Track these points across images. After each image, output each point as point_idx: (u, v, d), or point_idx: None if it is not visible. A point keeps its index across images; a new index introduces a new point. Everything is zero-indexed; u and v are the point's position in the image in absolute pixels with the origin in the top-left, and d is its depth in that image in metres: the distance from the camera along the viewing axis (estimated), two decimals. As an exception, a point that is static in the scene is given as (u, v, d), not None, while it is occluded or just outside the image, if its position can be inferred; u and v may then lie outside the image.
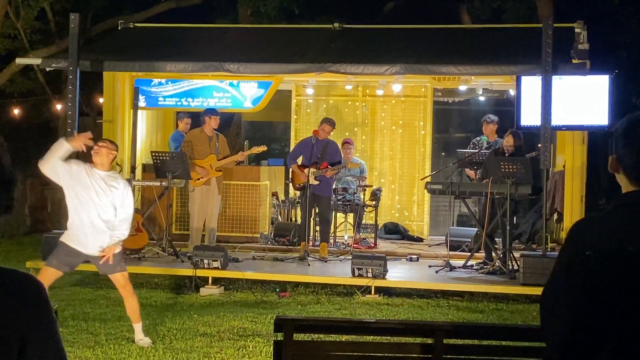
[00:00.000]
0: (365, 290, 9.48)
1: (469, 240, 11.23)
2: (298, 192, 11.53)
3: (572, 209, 10.96)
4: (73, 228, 6.95)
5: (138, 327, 7.24)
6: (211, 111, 11.05)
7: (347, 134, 13.67)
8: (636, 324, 2.28)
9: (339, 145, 12.29)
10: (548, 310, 2.45)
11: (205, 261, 9.72)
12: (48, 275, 7.02)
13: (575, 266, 2.37)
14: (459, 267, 10.10)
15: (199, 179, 10.82)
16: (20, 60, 14.70)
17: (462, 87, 13.16)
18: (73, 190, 6.89)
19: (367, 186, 12.45)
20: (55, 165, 6.86)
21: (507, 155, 9.96)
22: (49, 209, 18.50)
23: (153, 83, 12.42)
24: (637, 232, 2.34)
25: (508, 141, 10.05)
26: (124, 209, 6.94)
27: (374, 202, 12.35)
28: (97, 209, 6.84)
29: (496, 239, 10.36)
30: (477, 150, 11.27)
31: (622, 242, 2.33)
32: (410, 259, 11.03)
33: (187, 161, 10.56)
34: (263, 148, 11.45)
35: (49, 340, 2.04)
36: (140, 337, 7.21)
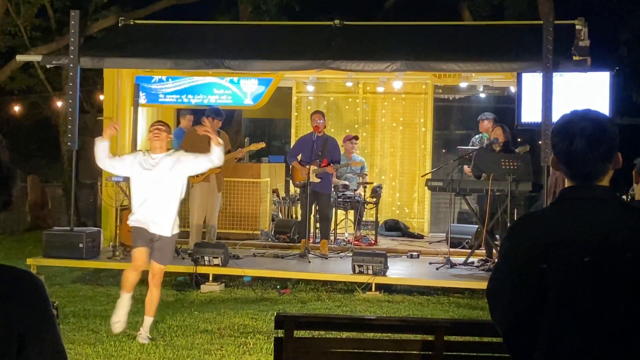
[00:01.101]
0: (366, 287, 9.48)
1: (470, 237, 11.23)
2: (298, 189, 11.53)
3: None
4: (138, 212, 7.21)
5: (148, 320, 7.27)
6: (215, 114, 10.95)
7: (347, 130, 13.67)
8: (566, 310, 2.36)
9: (343, 141, 12.33)
10: (492, 306, 2.57)
11: (206, 258, 9.73)
12: (137, 257, 7.27)
13: (510, 260, 2.45)
14: (460, 264, 10.10)
15: (197, 176, 10.81)
16: (20, 57, 14.67)
17: (463, 84, 13.15)
18: (136, 178, 7.24)
19: (367, 183, 12.45)
20: (106, 165, 7.38)
21: (497, 149, 10.00)
22: (50, 205, 18.51)
23: (153, 80, 12.41)
24: (569, 224, 2.41)
25: (496, 133, 10.11)
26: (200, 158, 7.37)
27: (374, 199, 12.35)
28: (162, 188, 7.13)
29: (497, 236, 10.36)
30: (477, 147, 11.27)
31: (555, 235, 2.41)
32: (411, 256, 11.03)
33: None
34: (261, 145, 11.45)
35: (48, 337, 2.03)
36: (145, 331, 7.21)
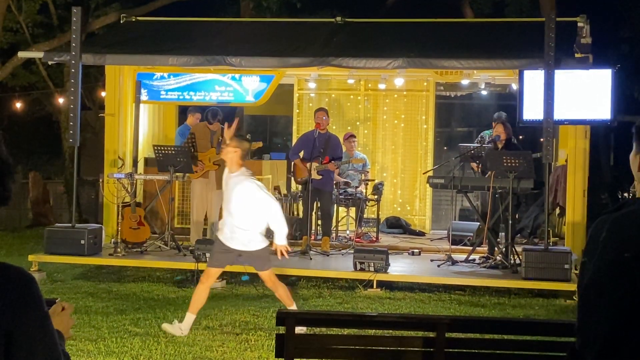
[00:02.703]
0: (367, 284, 9.48)
1: (471, 234, 11.23)
2: (300, 186, 11.53)
3: (574, 204, 10.95)
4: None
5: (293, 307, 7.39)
6: (212, 116, 10.97)
7: (349, 128, 13.67)
8: None
9: (343, 139, 12.32)
10: (588, 308, 2.41)
11: (207, 255, 9.72)
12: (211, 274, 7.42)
13: (621, 264, 2.35)
14: (461, 261, 10.10)
15: (196, 171, 10.84)
16: (22, 54, 14.69)
17: (465, 81, 13.15)
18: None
19: (369, 180, 12.45)
20: None
21: (499, 146, 10.01)
22: (51, 202, 18.53)
23: (155, 77, 12.41)
24: None
25: (498, 130, 10.12)
26: (264, 209, 7.26)
27: (375, 196, 12.35)
28: (231, 211, 7.19)
29: (498, 233, 10.36)
30: (478, 145, 11.27)
31: None
32: (412, 253, 11.03)
33: (189, 155, 10.57)
34: (259, 144, 11.48)
35: (38, 335, 1.98)
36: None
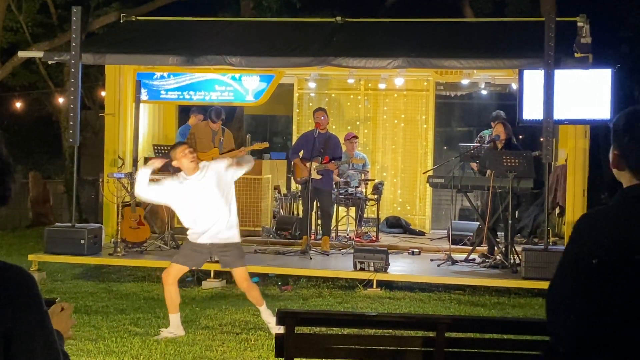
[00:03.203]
0: (367, 283, 9.49)
1: (471, 234, 11.22)
2: (300, 186, 11.53)
3: (574, 203, 10.95)
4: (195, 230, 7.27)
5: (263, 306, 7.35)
6: (215, 115, 10.98)
7: (349, 127, 13.67)
8: (633, 314, 2.30)
9: (344, 139, 12.33)
10: (554, 304, 2.47)
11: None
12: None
13: (582, 264, 2.38)
14: (461, 261, 10.10)
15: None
16: (22, 54, 14.69)
17: (465, 81, 13.14)
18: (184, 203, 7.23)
19: (369, 180, 12.45)
20: (147, 195, 7.38)
21: (499, 146, 10.01)
22: (51, 202, 18.52)
23: (155, 76, 12.40)
24: (636, 224, 2.35)
25: (497, 130, 10.13)
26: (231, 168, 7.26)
27: (375, 196, 12.35)
28: (210, 206, 7.13)
29: (498, 233, 10.36)
30: (478, 144, 11.26)
31: (627, 236, 2.34)
32: (412, 253, 11.03)
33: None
34: (265, 145, 11.46)
35: (37, 334, 1.98)
36: (269, 319, 7.26)
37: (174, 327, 7.26)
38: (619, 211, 2.44)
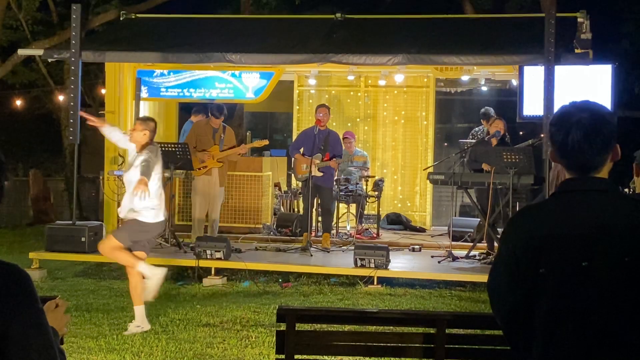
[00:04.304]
0: (368, 280, 9.49)
1: (472, 230, 11.22)
2: (300, 183, 11.53)
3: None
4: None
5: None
6: (217, 111, 10.97)
7: (349, 124, 13.67)
8: (562, 309, 2.35)
9: (342, 138, 12.30)
10: (491, 295, 2.58)
11: (208, 252, 9.74)
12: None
13: (514, 257, 2.44)
14: (462, 257, 10.10)
15: (199, 168, 10.83)
16: (22, 52, 14.68)
17: (465, 77, 13.13)
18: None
19: (369, 177, 12.45)
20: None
21: (494, 142, 10.01)
22: (52, 199, 18.53)
23: (155, 74, 12.40)
24: (571, 217, 2.40)
25: (499, 126, 10.11)
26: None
27: (376, 193, 12.35)
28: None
29: (498, 229, 10.35)
30: (479, 141, 11.25)
31: (559, 230, 2.39)
32: (413, 249, 11.04)
33: (190, 152, 10.56)
34: (265, 142, 11.47)
35: (33, 332, 1.98)
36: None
37: (141, 319, 7.32)
38: (553, 205, 2.51)
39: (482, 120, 11.76)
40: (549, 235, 2.40)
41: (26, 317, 1.98)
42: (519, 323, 2.46)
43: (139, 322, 7.28)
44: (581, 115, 2.48)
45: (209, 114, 11.06)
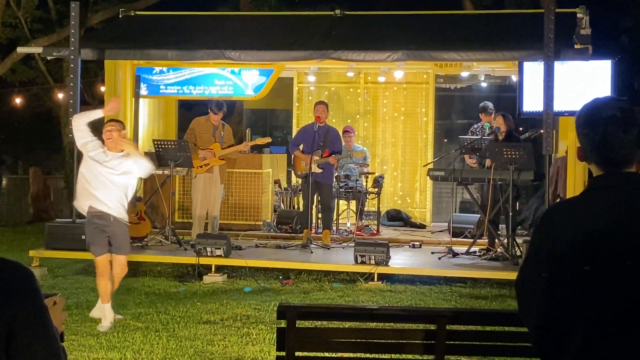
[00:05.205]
0: (368, 277, 9.49)
1: (472, 226, 11.22)
2: (300, 180, 11.52)
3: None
4: None
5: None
6: (216, 107, 10.98)
7: (349, 121, 13.66)
8: (605, 308, 2.31)
9: (342, 133, 12.30)
10: (521, 295, 2.52)
11: (208, 249, 9.74)
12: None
13: (546, 253, 2.40)
14: (462, 254, 10.10)
15: (201, 166, 10.82)
16: (21, 49, 14.66)
17: (464, 74, 13.12)
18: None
19: (369, 173, 12.44)
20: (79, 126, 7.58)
21: (500, 138, 10.00)
22: (52, 197, 18.52)
23: (154, 71, 12.39)
24: (608, 215, 2.37)
25: (498, 122, 10.11)
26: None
27: (376, 189, 12.35)
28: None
29: (499, 225, 10.35)
30: (479, 137, 11.24)
31: (593, 226, 2.36)
32: (413, 246, 11.03)
33: (189, 149, 10.55)
34: (267, 140, 11.46)
35: (38, 329, 2.00)
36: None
37: (109, 315, 7.44)
38: (586, 202, 2.48)
39: (480, 114, 11.76)
40: (593, 232, 2.35)
41: (31, 314, 2.00)
42: (555, 322, 2.39)
43: (106, 316, 7.43)
44: (613, 111, 2.45)
45: (208, 110, 11.06)
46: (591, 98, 2.64)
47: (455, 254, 10.03)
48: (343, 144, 11.89)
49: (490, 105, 11.67)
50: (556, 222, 2.46)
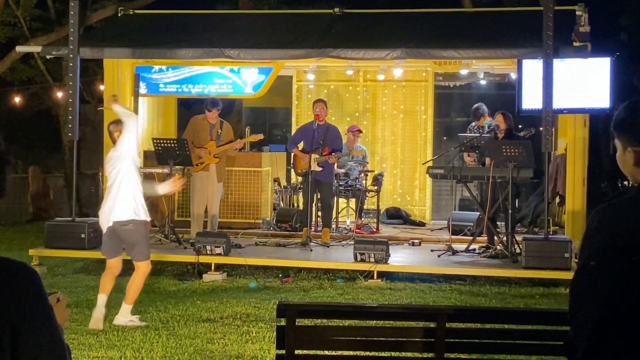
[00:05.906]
0: (368, 275, 9.49)
1: (471, 224, 11.23)
2: (300, 178, 11.53)
3: (574, 192, 10.95)
4: None
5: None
6: (210, 104, 10.98)
7: (348, 119, 13.66)
8: None
9: (348, 130, 12.33)
10: (578, 296, 2.41)
11: (208, 247, 9.74)
12: None
13: (609, 254, 2.34)
14: (461, 251, 10.11)
15: (197, 165, 10.83)
16: (20, 48, 14.66)
17: (464, 71, 13.13)
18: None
19: (369, 171, 12.45)
20: None
21: (499, 136, 10.01)
22: (51, 196, 18.53)
23: (154, 70, 12.39)
24: None
25: (497, 120, 10.12)
26: None
27: (375, 187, 12.35)
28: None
29: (498, 223, 10.36)
30: (478, 134, 11.25)
31: None
32: (413, 244, 11.04)
33: (188, 147, 10.56)
34: (260, 136, 11.50)
35: (44, 328, 2.01)
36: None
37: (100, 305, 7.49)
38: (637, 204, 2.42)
39: (473, 119, 11.79)
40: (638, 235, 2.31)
41: (37, 314, 2.01)
42: (617, 323, 2.31)
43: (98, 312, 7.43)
44: None
45: (205, 108, 11.06)
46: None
47: (454, 252, 10.04)
48: (345, 141, 11.90)
49: (482, 107, 11.64)
50: (614, 224, 2.38)
